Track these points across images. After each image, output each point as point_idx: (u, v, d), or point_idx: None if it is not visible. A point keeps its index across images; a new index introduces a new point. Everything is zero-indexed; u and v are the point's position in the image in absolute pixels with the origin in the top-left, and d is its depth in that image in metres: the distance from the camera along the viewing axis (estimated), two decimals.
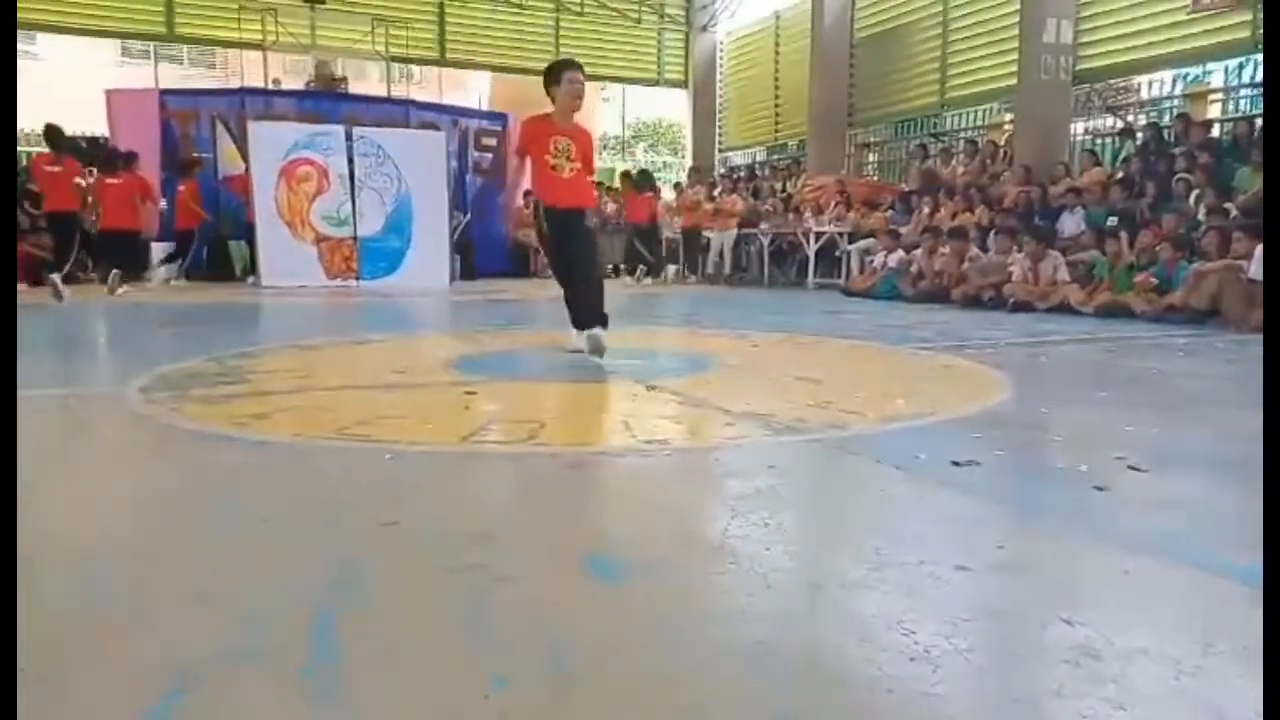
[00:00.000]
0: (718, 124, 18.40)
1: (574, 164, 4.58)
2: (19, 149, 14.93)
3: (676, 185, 15.85)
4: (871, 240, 10.74)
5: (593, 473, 2.39)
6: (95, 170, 10.33)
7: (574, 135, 4.60)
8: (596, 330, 4.40)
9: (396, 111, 13.11)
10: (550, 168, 4.54)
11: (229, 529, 1.85)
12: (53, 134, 9.08)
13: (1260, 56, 9.87)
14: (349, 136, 11.37)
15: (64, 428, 2.97)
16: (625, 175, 14.74)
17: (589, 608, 1.45)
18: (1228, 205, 7.48)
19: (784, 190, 13.93)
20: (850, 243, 11.29)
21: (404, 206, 11.43)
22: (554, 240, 4.69)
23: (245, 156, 11.80)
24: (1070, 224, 8.88)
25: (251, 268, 11.73)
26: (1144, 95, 11.68)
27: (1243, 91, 10.32)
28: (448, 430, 2.85)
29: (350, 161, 11.31)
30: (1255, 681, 1.15)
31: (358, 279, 11.38)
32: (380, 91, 15.06)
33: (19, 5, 12.11)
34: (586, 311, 4.52)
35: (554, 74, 4.56)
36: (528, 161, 4.71)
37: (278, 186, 11.05)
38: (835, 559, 1.71)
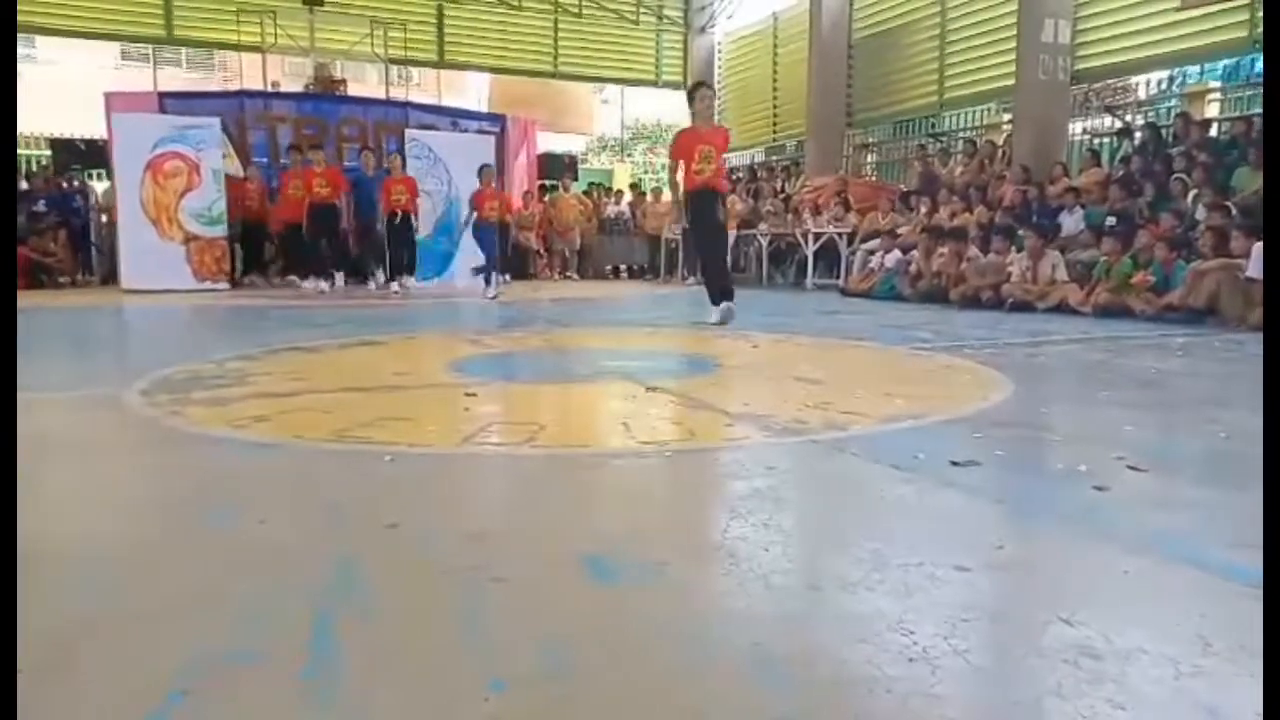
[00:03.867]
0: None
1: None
2: (20, 152, 14.96)
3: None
4: (877, 240, 10.74)
5: (592, 474, 2.39)
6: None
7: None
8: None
9: (395, 114, 13.08)
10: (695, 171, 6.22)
11: (229, 531, 1.85)
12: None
13: (1256, 55, 9.90)
14: (401, 140, 11.44)
15: (64, 430, 2.97)
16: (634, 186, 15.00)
17: (588, 609, 1.45)
18: (1226, 204, 7.48)
19: (782, 191, 13.93)
20: (850, 243, 11.28)
21: (453, 209, 11.29)
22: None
23: (243, 159, 11.79)
24: (1069, 223, 8.88)
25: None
26: (1141, 95, 11.69)
27: (1240, 91, 10.33)
28: (447, 432, 2.85)
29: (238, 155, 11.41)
30: (1253, 681, 1.15)
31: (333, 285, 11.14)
32: (379, 94, 15.06)
33: (20, 8, 12.13)
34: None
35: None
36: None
37: (143, 183, 10.42)
38: (834, 560, 1.71)
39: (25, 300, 7.82)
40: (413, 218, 10.59)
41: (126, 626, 1.39)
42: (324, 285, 10.65)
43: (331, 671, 1.23)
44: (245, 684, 1.19)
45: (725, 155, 6.66)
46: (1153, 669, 1.22)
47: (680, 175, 6.41)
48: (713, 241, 6.60)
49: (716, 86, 18.34)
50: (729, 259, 7.23)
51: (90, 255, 12.49)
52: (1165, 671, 1.21)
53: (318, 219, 10.66)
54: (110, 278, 11.67)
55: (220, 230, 10.85)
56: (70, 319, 7.36)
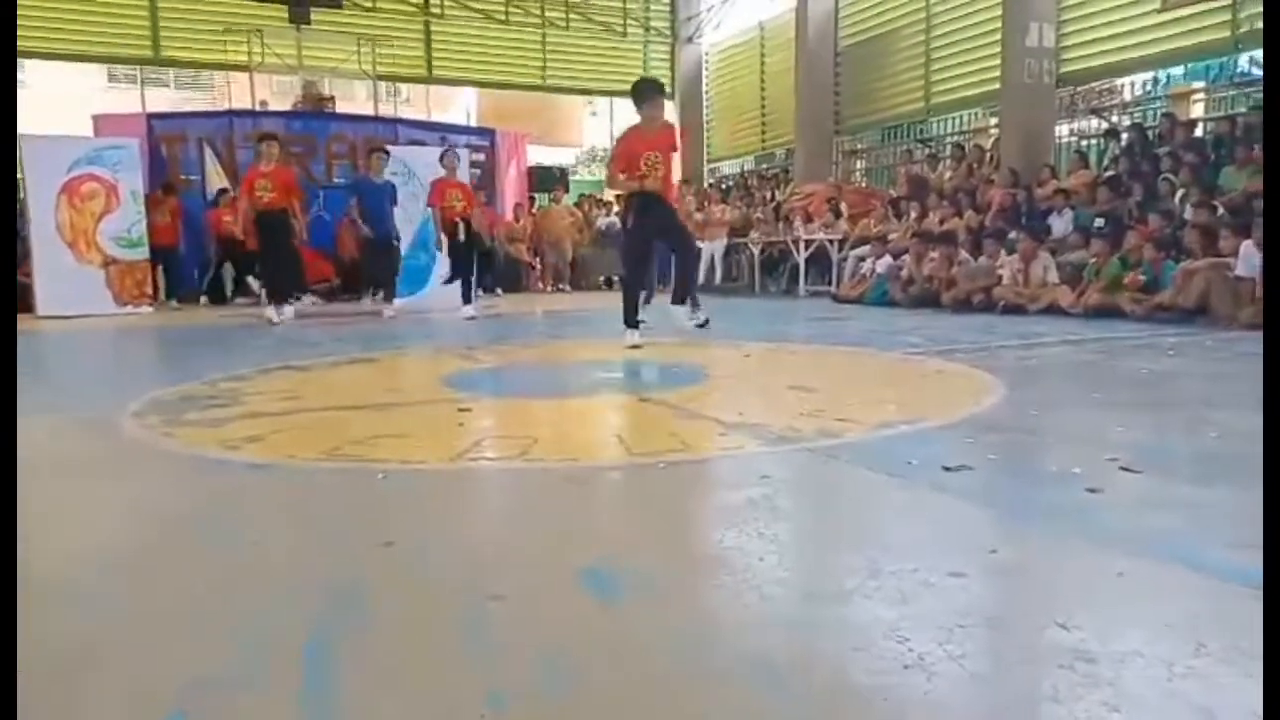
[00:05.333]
0: (705, 135, 18.46)
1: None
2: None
3: None
4: (868, 246, 10.78)
5: (586, 487, 2.39)
6: None
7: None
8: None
9: (385, 130, 13.09)
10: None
11: (223, 552, 1.84)
12: None
13: (1240, 56, 9.98)
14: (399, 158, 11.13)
15: (59, 452, 2.96)
16: None
17: (585, 623, 1.45)
18: (1213, 203, 7.53)
19: (773, 199, 13.98)
20: (841, 250, 11.31)
21: (429, 222, 11.26)
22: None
23: (232, 179, 11.75)
24: (1059, 225, 8.92)
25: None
26: (1127, 96, 11.77)
27: (1224, 91, 10.41)
28: (441, 448, 2.85)
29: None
30: (1248, 683, 1.15)
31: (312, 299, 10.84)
32: (368, 110, 15.08)
33: None
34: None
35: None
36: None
37: (58, 205, 10.04)
38: (829, 568, 1.72)
39: (20, 324, 7.80)
40: (474, 226, 8.94)
41: (124, 647, 1.39)
42: (276, 313, 8.38)
43: (329, 691, 1.23)
44: (244, 704, 1.19)
45: (673, 158, 5.89)
46: (1148, 671, 1.22)
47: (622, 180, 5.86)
48: (678, 244, 5.98)
49: (705, 96, 18.45)
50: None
51: None
52: (1160, 673, 1.21)
53: (263, 230, 8.58)
54: None
55: (141, 253, 10.54)
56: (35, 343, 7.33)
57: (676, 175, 6.81)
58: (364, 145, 12.41)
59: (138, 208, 10.52)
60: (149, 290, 10.74)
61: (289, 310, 8.61)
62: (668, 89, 18.21)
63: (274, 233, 8.42)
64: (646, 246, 6.10)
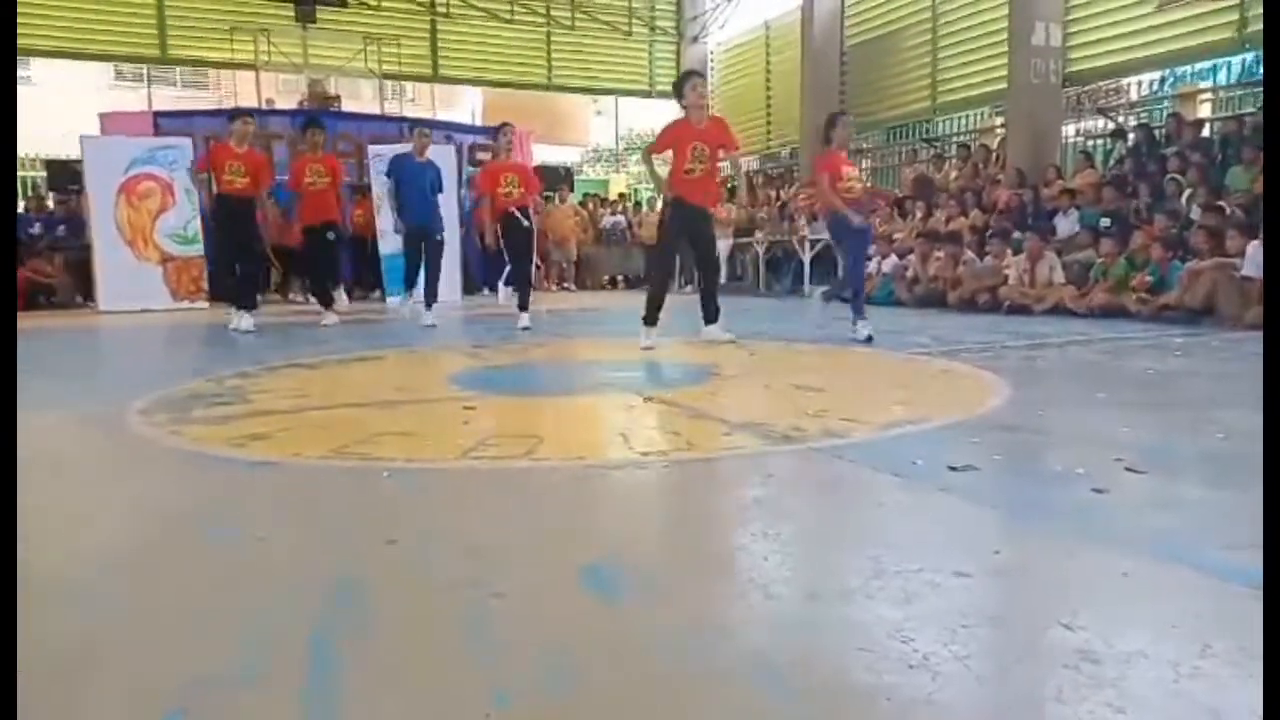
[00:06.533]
0: None
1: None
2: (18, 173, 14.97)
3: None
4: (873, 246, 10.74)
5: (591, 486, 2.39)
6: None
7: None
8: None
9: (390, 128, 13.10)
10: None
11: (228, 549, 1.85)
12: None
13: (1247, 56, 9.94)
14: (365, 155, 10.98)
15: (65, 449, 2.97)
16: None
17: (588, 622, 1.45)
18: (1220, 204, 7.51)
19: (778, 198, 13.97)
20: None
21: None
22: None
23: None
24: (1064, 226, 8.91)
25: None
26: (1133, 96, 11.74)
27: (1231, 90, 10.37)
28: (446, 446, 2.85)
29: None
30: (1254, 683, 1.15)
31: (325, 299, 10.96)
32: (374, 109, 15.09)
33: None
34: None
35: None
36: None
37: (117, 204, 10.48)
38: (833, 567, 1.71)
39: (25, 322, 7.85)
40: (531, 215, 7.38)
41: (126, 644, 1.39)
42: (242, 320, 7.27)
43: (332, 688, 1.23)
44: (245, 702, 1.19)
45: (723, 160, 5.77)
46: (1152, 672, 1.22)
47: (666, 170, 5.71)
48: (706, 259, 5.98)
49: (710, 96, 18.42)
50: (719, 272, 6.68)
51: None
52: (1165, 674, 1.21)
53: (228, 220, 7.46)
54: None
55: (196, 249, 10.85)
56: (65, 340, 7.36)
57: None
58: (369, 144, 12.40)
59: (192, 205, 10.75)
60: (204, 285, 10.94)
61: (239, 317, 7.32)
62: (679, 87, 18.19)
63: (243, 224, 7.35)
64: (678, 252, 6.12)
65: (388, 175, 8.00)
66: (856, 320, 5.76)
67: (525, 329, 6.77)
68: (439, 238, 7.90)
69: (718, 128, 5.66)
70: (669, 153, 5.68)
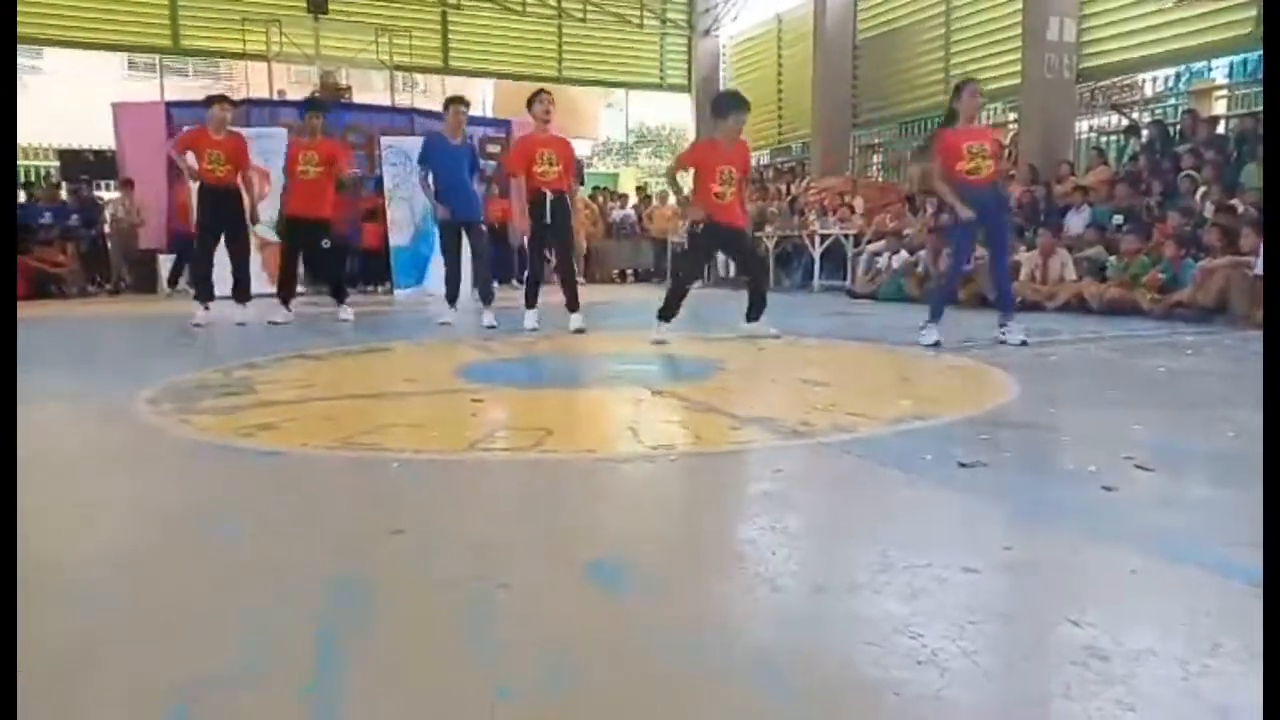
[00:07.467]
0: None
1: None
2: (28, 163, 15.06)
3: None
4: (883, 241, 10.71)
5: (599, 479, 2.39)
6: None
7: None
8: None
9: (401, 120, 13.09)
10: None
11: (234, 540, 1.85)
12: None
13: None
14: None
15: (74, 439, 2.98)
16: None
17: (595, 615, 1.45)
18: (1234, 202, 7.45)
19: (788, 192, 13.93)
20: (856, 245, 11.25)
21: (429, 217, 11.25)
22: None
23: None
24: (1076, 222, 8.85)
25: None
26: (1148, 92, 11.65)
27: (1248, 87, 10.28)
28: (454, 438, 2.86)
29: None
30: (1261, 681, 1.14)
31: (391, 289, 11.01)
32: (385, 100, 15.09)
33: (26, 20, 12.20)
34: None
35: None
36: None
37: None
38: (842, 562, 1.71)
39: (34, 310, 7.88)
40: (569, 201, 6.39)
41: (129, 639, 1.39)
42: (202, 313, 7.03)
43: (336, 681, 1.23)
44: (249, 697, 1.19)
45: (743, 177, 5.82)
46: (1161, 669, 1.21)
47: (690, 183, 5.67)
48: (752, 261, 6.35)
49: (721, 89, 18.38)
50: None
51: (106, 266, 12.49)
52: (1174, 672, 1.20)
53: (213, 211, 7.08)
54: (128, 288, 11.92)
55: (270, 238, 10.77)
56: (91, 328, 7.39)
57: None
58: (380, 136, 12.37)
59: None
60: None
61: (202, 310, 7.07)
62: (687, 84, 18.19)
63: (228, 215, 7.06)
64: (708, 259, 6.09)
65: (420, 164, 6.93)
66: (1004, 323, 5.29)
67: (534, 329, 6.24)
68: (482, 225, 7.05)
69: (743, 153, 5.82)
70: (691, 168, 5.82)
